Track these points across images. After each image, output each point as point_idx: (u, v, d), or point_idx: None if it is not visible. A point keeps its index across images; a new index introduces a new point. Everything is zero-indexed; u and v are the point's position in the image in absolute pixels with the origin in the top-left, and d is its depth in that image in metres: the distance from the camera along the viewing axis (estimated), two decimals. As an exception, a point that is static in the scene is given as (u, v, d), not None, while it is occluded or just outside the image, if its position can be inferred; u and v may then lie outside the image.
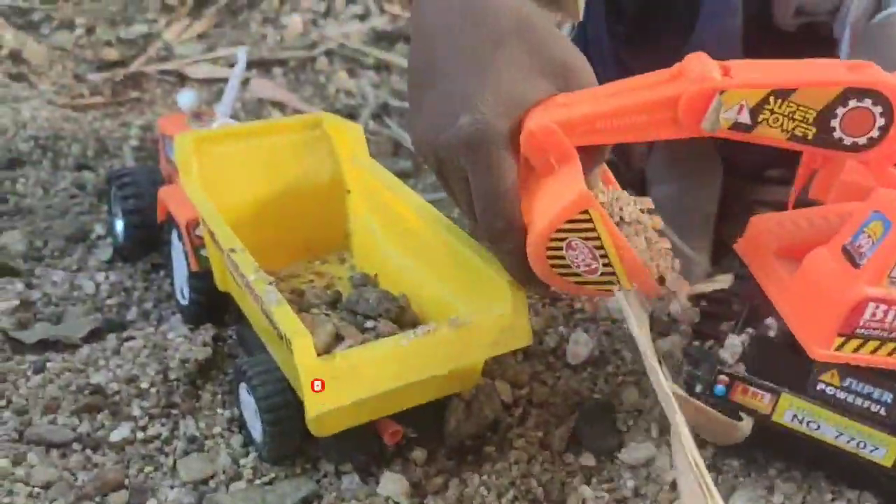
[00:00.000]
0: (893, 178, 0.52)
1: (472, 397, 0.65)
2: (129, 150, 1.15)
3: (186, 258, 0.75)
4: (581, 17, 0.73)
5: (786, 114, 0.50)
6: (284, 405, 0.61)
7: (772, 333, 0.57)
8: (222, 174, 0.74)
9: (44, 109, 1.26)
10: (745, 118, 0.50)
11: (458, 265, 0.65)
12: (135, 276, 0.87)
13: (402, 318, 0.67)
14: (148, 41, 1.55)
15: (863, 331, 0.50)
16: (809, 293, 0.53)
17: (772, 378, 0.56)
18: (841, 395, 0.55)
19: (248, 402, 0.63)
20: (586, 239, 0.52)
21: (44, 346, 0.76)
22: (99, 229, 0.95)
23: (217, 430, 0.67)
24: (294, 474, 0.64)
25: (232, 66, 0.91)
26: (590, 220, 0.51)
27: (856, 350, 0.51)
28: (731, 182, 1.03)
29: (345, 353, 0.55)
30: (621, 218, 0.56)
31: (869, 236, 0.50)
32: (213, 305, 0.76)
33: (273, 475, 0.64)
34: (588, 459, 0.65)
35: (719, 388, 0.57)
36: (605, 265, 0.54)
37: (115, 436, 0.66)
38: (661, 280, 0.56)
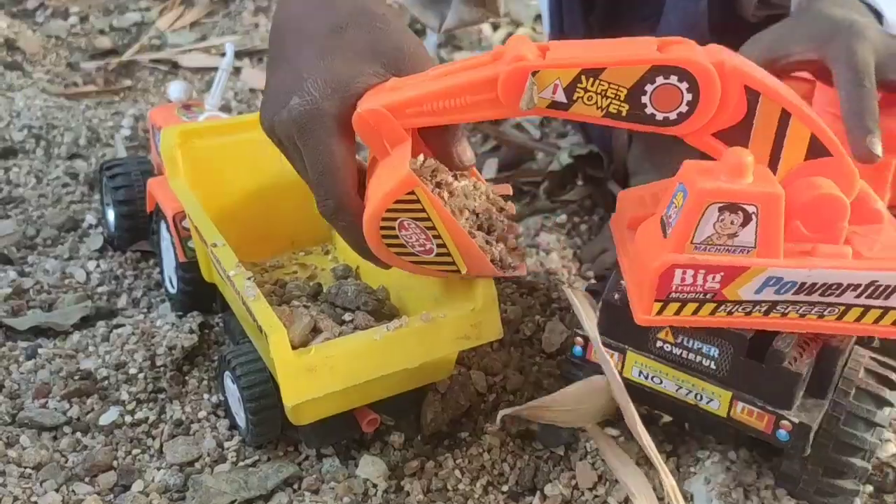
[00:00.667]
0: (716, 148, 0.54)
1: (446, 389, 0.68)
2: (120, 139, 1.16)
3: (174, 249, 0.77)
4: (501, 15, 0.78)
5: (598, 91, 0.52)
6: (267, 394, 0.63)
7: (617, 296, 0.59)
8: (207, 167, 0.75)
9: (37, 98, 1.27)
10: (560, 97, 0.52)
11: None
12: (125, 265, 0.89)
13: (381, 310, 0.69)
14: (141, 30, 1.57)
15: (677, 294, 0.52)
16: (637, 263, 0.56)
17: (619, 338, 0.60)
18: (676, 350, 0.58)
19: (232, 390, 0.66)
20: (417, 219, 0.54)
21: (36, 332, 0.78)
22: (90, 218, 0.97)
23: (202, 414, 0.70)
24: (276, 457, 0.66)
25: (223, 55, 0.93)
26: (417, 201, 0.53)
27: (677, 313, 0.53)
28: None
29: (319, 347, 0.58)
30: (465, 205, 0.58)
31: (676, 206, 0.52)
32: (200, 295, 0.78)
33: (256, 458, 0.66)
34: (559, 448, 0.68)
35: (577, 350, 0.62)
36: (439, 246, 0.56)
37: (104, 419, 0.68)
38: (503, 264, 0.59)
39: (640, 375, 0.60)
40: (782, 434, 0.56)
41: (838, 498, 0.60)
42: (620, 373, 0.60)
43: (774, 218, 0.50)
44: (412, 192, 0.53)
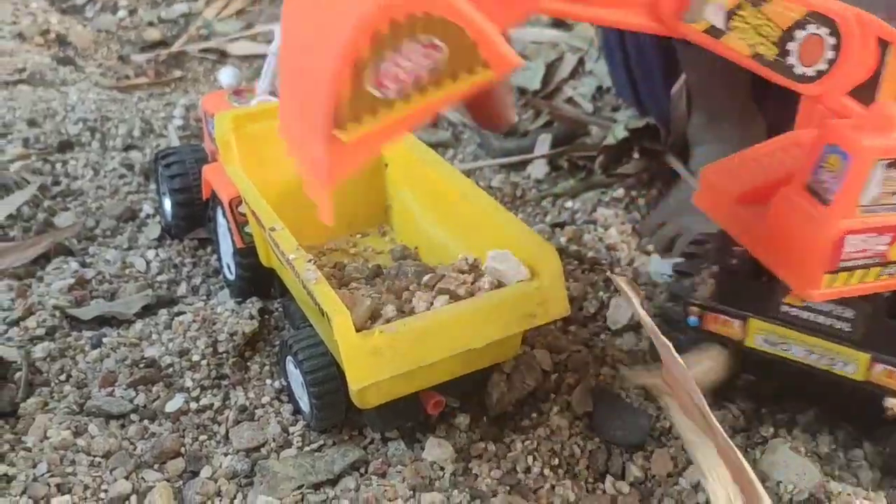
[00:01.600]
0: (847, 108, 0.51)
1: (512, 369, 0.66)
2: (173, 129, 1.17)
3: (231, 235, 0.76)
4: None
5: (755, 25, 0.49)
6: (330, 378, 0.62)
7: (735, 262, 0.57)
8: (262, 152, 0.75)
9: (91, 92, 1.29)
10: (719, 21, 0.49)
11: (495, 237, 0.65)
12: (183, 253, 0.90)
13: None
14: (189, 20, 1.58)
15: (847, 262, 0.50)
16: (786, 238, 0.53)
17: (740, 305, 0.57)
18: (804, 314, 0.56)
19: (294, 375, 0.65)
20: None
21: (100, 321, 0.79)
22: (147, 208, 0.98)
23: (266, 399, 0.69)
24: (342, 441, 0.66)
25: (270, 42, 0.92)
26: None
27: (846, 282, 0.51)
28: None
29: (383, 329, 0.56)
30: None
31: (829, 171, 0.50)
32: (258, 280, 0.78)
33: (321, 442, 0.66)
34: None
35: (692, 320, 0.60)
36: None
37: (170, 406, 0.68)
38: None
39: (764, 343, 0.58)
40: None
41: None
42: (742, 342, 0.58)
43: None
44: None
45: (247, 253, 0.76)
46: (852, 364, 0.55)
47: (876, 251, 0.50)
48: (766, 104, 1.00)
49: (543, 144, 1.16)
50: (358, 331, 0.56)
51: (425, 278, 0.64)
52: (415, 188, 0.78)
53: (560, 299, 0.60)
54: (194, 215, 0.89)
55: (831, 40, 0.49)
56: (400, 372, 0.57)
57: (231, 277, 0.81)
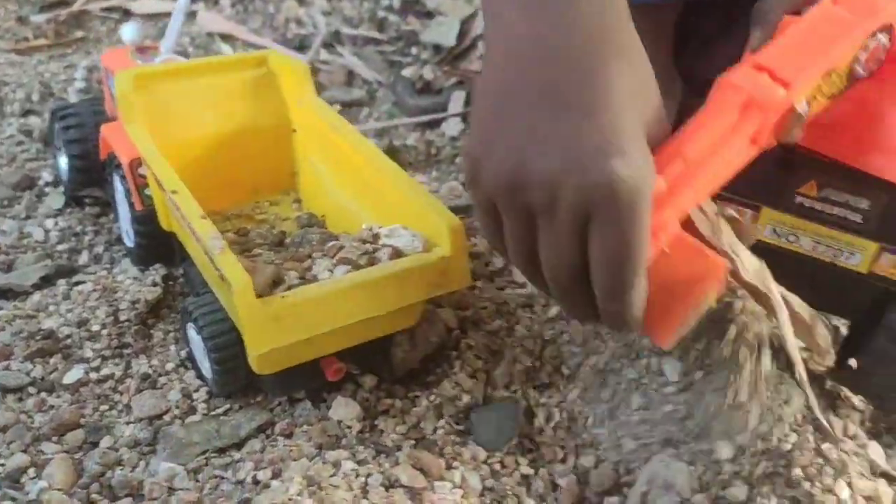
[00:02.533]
0: None
1: (415, 327, 0.67)
2: (74, 92, 1.13)
3: (130, 198, 0.75)
4: None
5: (830, 84, 0.51)
6: (231, 343, 0.62)
7: None
8: (165, 113, 0.73)
9: (-13, 55, 1.23)
10: (804, 108, 0.50)
11: (401, 205, 0.65)
12: (84, 221, 0.87)
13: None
14: (90, -22, 1.51)
15: None
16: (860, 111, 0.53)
17: (753, 195, 0.56)
18: (818, 205, 0.55)
19: (196, 341, 0.65)
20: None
21: (-5, 294, 0.77)
22: (47, 176, 0.94)
23: (170, 367, 0.68)
24: (248, 405, 0.65)
25: (176, -1, 0.89)
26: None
27: None
28: (690, 100, 1.03)
29: (284, 296, 0.56)
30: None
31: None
32: (158, 246, 0.76)
33: (227, 406, 0.65)
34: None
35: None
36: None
37: (69, 378, 0.67)
38: None
39: (773, 234, 0.57)
40: None
41: None
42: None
43: None
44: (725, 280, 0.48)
45: (146, 217, 0.74)
46: (858, 254, 0.55)
47: None
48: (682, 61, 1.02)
49: (458, 102, 1.16)
50: (259, 297, 0.56)
51: (327, 246, 0.63)
52: (323, 155, 0.77)
53: (462, 270, 0.61)
54: (91, 175, 0.86)
55: (884, 38, 0.51)
56: (299, 339, 0.57)
57: (130, 244, 0.79)
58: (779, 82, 0.48)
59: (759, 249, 0.56)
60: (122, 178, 0.75)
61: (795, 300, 0.55)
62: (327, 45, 1.34)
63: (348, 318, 0.58)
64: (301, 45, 1.36)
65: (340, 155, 0.74)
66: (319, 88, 1.24)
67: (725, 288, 0.52)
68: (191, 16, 1.38)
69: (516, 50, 0.46)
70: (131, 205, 0.75)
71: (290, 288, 0.58)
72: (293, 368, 0.61)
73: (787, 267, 0.57)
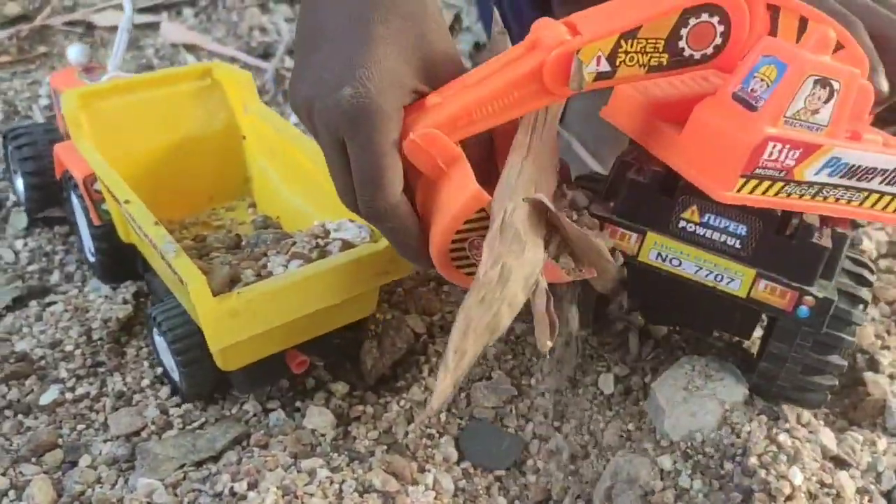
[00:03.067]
0: None
1: (381, 333, 0.69)
2: (38, 109, 1.13)
3: (87, 214, 0.76)
4: None
5: (638, 50, 0.52)
6: (195, 345, 0.64)
7: (644, 178, 0.58)
8: (114, 129, 0.74)
9: (-52, 74, 1.23)
10: (604, 66, 0.52)
11: None
12: (54, 241, 0.88)
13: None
14: (51, -8, 1.51)
15: (761, 171, 0.52)
16: (705, 141, 0.54)
17: (639, 219, 0.59)
18: (700, 230, 0.58)
19: (162, 346, 0.66)
20: (482, 236, 0.52)
21: (-34, 318, 0.77)
22: (13, 196, 0.95)
23: (144, 383, 0.70)
24: (223, 417, 0.67)
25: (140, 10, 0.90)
26: (487, 218, 0.52)
27: (753, 191, 0.53)
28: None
29: (241, 291, 0.58)
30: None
31: (762, 80, 0.52)
32: (119, 259, 0.77)
33: (203, 420, 0.67)
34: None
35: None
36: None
37: (45, 399, 0.68)
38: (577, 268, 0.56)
39: (657, 258, 0.59)
40: (803, 311, 0.57)
41: (815, 393, 0.61)
42: (636, 255, 0.59)
43: (848, 97, 0.51)
44: (482, 210, 0.51)
45: (104, 232, 0.75)
46: (737, 280, 0.58)
47: (784, 165, 0.52)
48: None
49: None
50: (216, 296, 0.57)
51: (281, 244, 0.65)
52: (272, 159, 0.79)
53: None
54: (48, 195, 0.87)
55: (715, 19, 0.52)
56: (258, 332, 0.59)
57: (92, 259, 0.80)
58: (572, 31, 0.52)
59: (646, 273, 0.59)
60: (79, 195, 0.76)
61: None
62: (291, 53, 1.35)
63: (303, 309, 0.60)
64: (265, 53, 1.36)
65: (288, 158, 0.76)
66: (285, 96, 1.25)
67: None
68: (154, 27, 1.38)
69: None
70: (89, 221, 0.76)
71: (246, 285, 0.60)
72: (259, 364, 0.63)
73: (673, 290, 0.60)
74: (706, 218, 0.57)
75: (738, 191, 0.52)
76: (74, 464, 0.63)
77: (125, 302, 0.75)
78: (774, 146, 0.51)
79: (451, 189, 0.52)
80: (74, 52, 0.87)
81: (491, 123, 0.53)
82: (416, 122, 0.52)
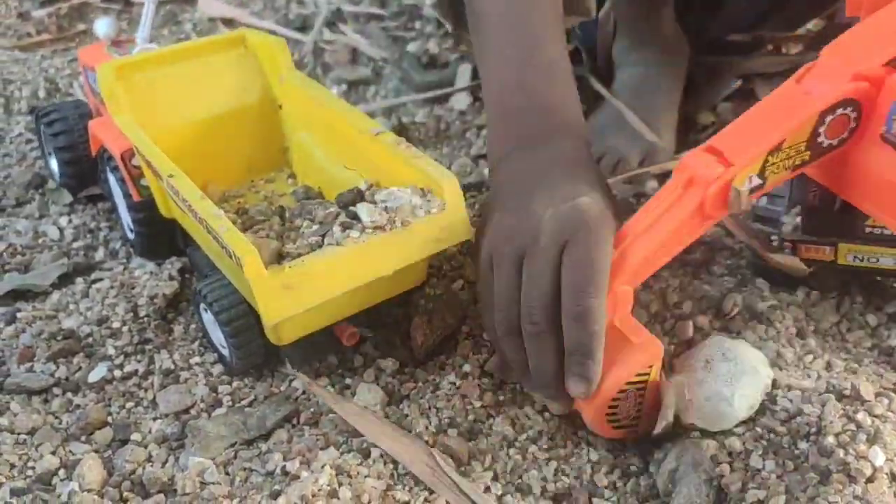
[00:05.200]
0: None
1: (432, 310, 0.67)
2: (79, 87, 1.12)
3: (125, 190, 0.74)
4: (591, 16, 0.84)
5: (783, 159, 0.56)
6: (242, 315, 0.63)
7: (817, 201, 0.66)
8: (150, 101, 0.72)
9: (-10, 53, 1.23)
10: (756, 182, 0.56)
11: (393, 167, 0.65)
12: (98, 217, 0.87)
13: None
14: (88, -32, 1.50)
15: None
16: (875, 183, 0.57)
17: (827, 234, 0.67)
18: (887, 231, 0.64)
19: (210, 322, 0.65)
20: (639, 390, 0.56)
21: (13, 296, 0.76)
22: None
23: (193, 360, 0.68)
24: (272, 395, 0.65)
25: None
26: (648, 373, 0.56)
27: None
28: (697, 57, 1.02)
29: (294, 263, 0.56)
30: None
31: None
32: (159, 235, 0.76)
33: (252, 398, 0.65)
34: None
35: (787, 251, 0.69)
36: (637, 411, 0.58)
37: (93, 376, 0.67)
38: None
39: (855, 260, 0.67)
40: None
41: None
42: (835, 261, 0.67)
43: None
44: (650, 365, 0.56)
45: (144, 207, 0.74)
46: None
47: None
48: (690, 19, 1.00)
49: (464, 76, 1.15)
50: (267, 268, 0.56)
51: (325, 212, 0.63)
52: (311, 128, 0.77)
53: (462, 222, 0.61)
54: (83, 173, 0.86)
55: (849, 109, 0.55)
56: (311, 305, 0.57)
57: (131, 235, 0.79)
58: (722, 161, 0.55)
59: (842, 272, 0.69)
60: (116, 171, 0.75)
61: None
62: (330, 25, 1.33)
63: (357, 280, 0.58)
64: (303, 26, 1.34)
65: (328, 126, 0.73)
66: (325, 68, 1.23)
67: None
68: (192, 2, 1.37)
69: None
70: (128, 196, 0.74)
71: (294, 258, 0.58)
72: (310, 337, 0.62)
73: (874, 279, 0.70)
74: None
75: None
76: (124, 442, 0.62)
77: (171, 278, 0.73)
78: None
79: (627, 342, 0.55)
80: (102, 25, 0.86)
81: (662, 265, 0.58)
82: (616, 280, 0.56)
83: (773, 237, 0.69)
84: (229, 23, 1.34)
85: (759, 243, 0.70)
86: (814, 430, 0.55)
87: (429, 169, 0.62)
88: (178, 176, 0.62)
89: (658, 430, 0.57)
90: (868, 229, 0.65)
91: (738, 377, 0.58)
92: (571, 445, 0.61)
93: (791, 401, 0.57)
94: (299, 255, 0.58)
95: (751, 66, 1.07)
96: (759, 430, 0.56)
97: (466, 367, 0.65)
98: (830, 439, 0.53)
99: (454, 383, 0.64)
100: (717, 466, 0.55)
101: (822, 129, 0.56)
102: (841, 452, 0.52)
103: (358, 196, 0.63)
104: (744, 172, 0.55)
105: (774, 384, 0.59)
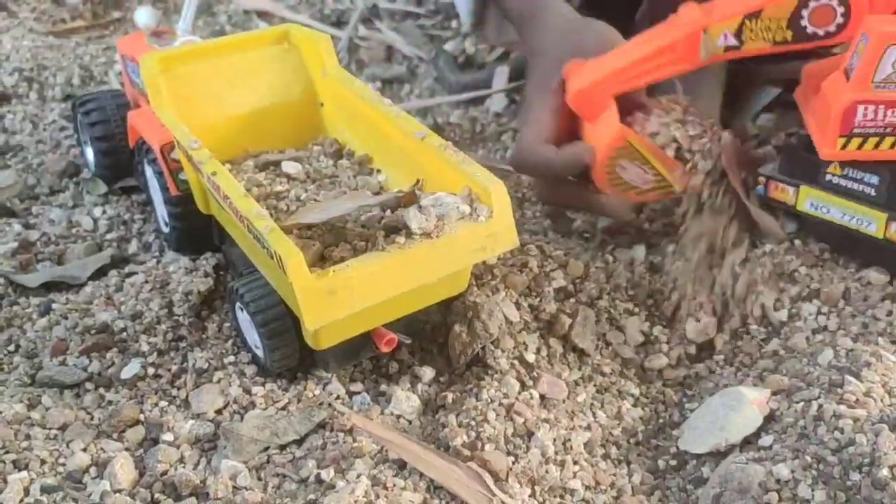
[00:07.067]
0: None
1: (472, 316, 0.65)
2: (114, 75, 1.12)
3: (162, 183, 0.73)
4: None
5: (763, 28, 0.63)
6: (279, 316, 0.62)
7: (795, 141, 0.72)
8: (192, 95, 0.71)
9: (25, 39, 1.22)
10: (731, 41, 0.64)
11: (438, 171, 0.64)
12: (132, 209, 0.86)
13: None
14: (124, -44, 1.49)
15: (860, 130, 0.61)
16: (823, 108, 0.65)
17: (795, 176, 0.71)
18: (842, 182, 0.67)
19: (244, 321, 0.64)
20: (633, 160, 0.69)
21: (47, 286, 0.76)
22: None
23: (227, 360, 0.67)
24: (306, 399, 0.64)
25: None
26: (631, 146, 0.68)
27: (859, 147, 0.62)
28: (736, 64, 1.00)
29: (338, 269, 0.55)
30: (654, 133, 0.70)
31: (858, 55, 0.61)
32: (194, 230, 0.75)
33: (286, 401, 0.64)
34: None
35: (760, 189, 0.73)
36: (654, 175, 0.69)
37: (126, 372, 0.66)
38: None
39: (811, 207, 0.70)
40: None
41: None
42: (794, 205, 0.71)
43: None
44: (626, 140, 0.68)
45: (181, 201, 0.73)
46: (874, 223, 0.66)
47: (889, 122, 0.60)
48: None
49: (501, 77, 1.13)
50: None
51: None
52: (354, 127, 0.75)
53: (509, 231, 0.60)
54: (119, 164, 0.85)
55: (840, 8, 0.61)
56: (354, 310, 0.56)
57: (166, 229, 0.78)
58: (706, 10, 0.64)
59: (802, 220, 0.73)
60: (154, 163, 0.74)
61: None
62: (365, 21, 1.32)
63: (401, 286, 0.57)
64: (339, 21, 1.33)
65: (370, 124, 0.72)
66: (359, 65, 1.22)
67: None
68: (227, -7, 1.36)
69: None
70: (165, 190, 0.74)
71: (336, 262, 0.57)
72: (347, 342, 0.61)
73: (822, 233, 0.73)
74: (846, 170, 0.67)
75: (842, 148, 0.63)
76: (156, 441, 0.62)
77: (206, 275, 0.72)
78: (866, 108, 0.60)
79: (603, 127, 0.69)
80: (143, 15, 0.85)
81: (635, 84, 0.68)
82: (579, 79, 0.69)
83: (760, 175, 0.73)
84: (264, 15, 1.33)
85: (742, 189, 0.73)
86: (867, 461, 0.53)
87: (477, 175, 0.61)
88: (220, 173, 0.61)
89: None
90: (828, 177, 0.68)
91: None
92: (612, 465, 0.60)
93: (842, 430, 0.56)
94: (344, 258, 0.56)
95: (791, 71, 1.05)
96: (808, 458, 0.55)
97: (506, 379, 0.64)
98: (885, 471, 0.52)
99: (493, 395, 0.63)
100: (766, 494, 0.54)
101: (805, 13, 0.61)
102: (896, 486, 0.51)
103: (402, 200, 0.62)
104: (719, 25, 0.63)
105: (823, 412, 0.58)
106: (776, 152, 0.77)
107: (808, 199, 0.69)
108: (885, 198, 0.65)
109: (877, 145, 0.61)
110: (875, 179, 0.65)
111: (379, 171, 0.72)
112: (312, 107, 0.78)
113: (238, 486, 0.57)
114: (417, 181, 0.63)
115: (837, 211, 0.68)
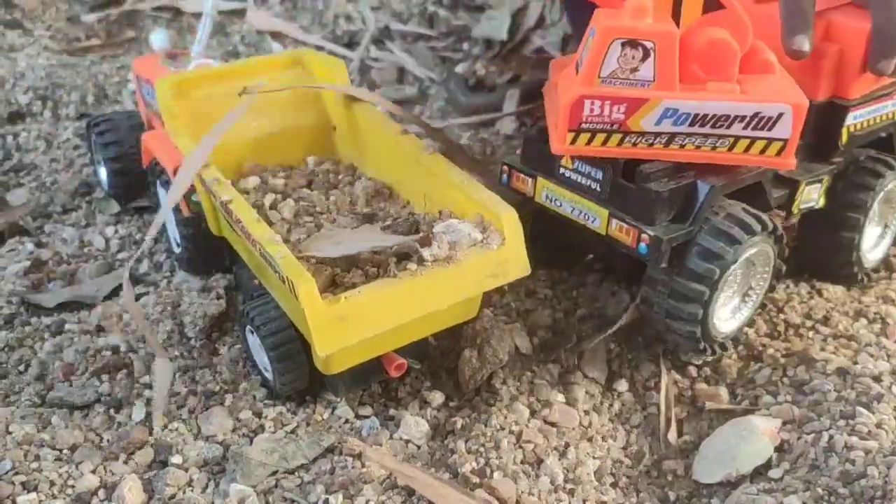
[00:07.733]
0: None
1: (482, 342, 0.65)
2: (128, 94, 1.12)
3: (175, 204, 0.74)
4: None
5: None
6: (289, 340, 0.62)
7: (534, 132, 0.68)
8: (206, 118, 0.71)
9: (40, 57, 1.23)
10: None
11: (452, 197, 0.64)
12: (144, 229, 0.87)
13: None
14: (139, -24, 1.51)
15: (587, 125, 0.58)
16: (554, 101, 0.63)
17: (533, 166, 0.68)
18: (573, 175, 0.65)
19: (254, 343, 0.65)
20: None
21: (59, 305, 0.76)
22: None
23: (236, 383, 0.67)
24: (315, 423, 0.64)
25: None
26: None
27: (588, 143, 0.59)
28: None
29: (349, 295, 0.55)
30: None
31: (587, 48, 0.59)
32: (206, 251, 0.75)
33: (295, 425, 0.64)
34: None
35: (504, 178, 0.70)
36: None
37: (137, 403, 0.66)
38: None
39: (546, 199, 0.67)
40: (643, 247, 0.60)
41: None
42: (533, 197, 0.68)
43: (670, 54, 0.56)
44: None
45: (194, 222, 0.73)
46: (598, 219, 0.64)
47: (614, 119, 0.58)
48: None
49: (512, 100, 1.14)
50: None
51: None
52: (365, 152, 0.76)
53: (520, 259, 0.60)
54: (132, 184, 0.86)
55: None
56: (365, 336, 0.56)
57: (177, 249, 0.78)
58: None
59: (539, 213, 0.69)
60: (167, 184, 0.75)
61: None
62: (377, 42, 1.33)
63: (413, 313, 0.58)
64: (350, 42, 1.34)
65: (382, 150, 0.72)
66: (370, 86, 1.22)
67: None
68: (240, 14, 1.37)
69: None
70: (177, 211, 0.74)
71: (348, 289, 0.57)
72: (357, 366, 0.61)
73: (563, 227, 0.68)
74: (576, 163, 0.65)
75: (571, 143, 0.60)
76: (164, 464, 0.62)
77: (218, 297, 0.73)
78: (593, 103, 0.57)
79: None
80: (158, 38, 0.86)
81: None
82: None
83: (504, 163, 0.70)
84: (277, 36, 1.34)
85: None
86: (878, 493, 0.53)
87: (488, 201, 0.61)
88: (235, 200, 0.61)
89: None
90: (561, 169, 0.65)
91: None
92: (621, 493, 0.59)
93: (854, 462, 0.55)
94: (355, 283, 0.57)
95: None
96: (819, 490, 0.55)
97: (516, 406, 0.64)
98: (897, 506, 0.52)
99: (502, 422, 0.63)
100: (776, 526, 0.53)
101: None
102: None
103: (415, 225, 0.62)
104: None
105: (835, 443, 0.57)
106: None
107: (545, 191, 0.67)
108: (606, 194, 0.63)
109: (604, 142, 0.59)
110: (599, 174, 0.63)
111: (392, 191, 0.73)
112: (325, 131, 0.78)
113: (246, 511, 0.57)
114: (440, 212, 0.63)
115: (568, 205, 0.65)
